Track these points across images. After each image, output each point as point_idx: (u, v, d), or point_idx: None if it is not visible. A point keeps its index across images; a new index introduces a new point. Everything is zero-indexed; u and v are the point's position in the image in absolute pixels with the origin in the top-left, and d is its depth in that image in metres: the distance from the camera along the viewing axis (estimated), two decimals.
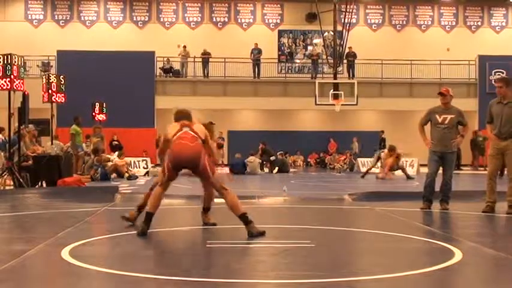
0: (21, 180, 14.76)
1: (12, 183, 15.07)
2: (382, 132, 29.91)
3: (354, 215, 10.38)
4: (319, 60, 33.67)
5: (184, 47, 32.34)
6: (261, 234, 7.05)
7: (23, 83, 15.27)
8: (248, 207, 10.83)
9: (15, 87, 14.95)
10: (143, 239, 7.15)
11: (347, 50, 31.04)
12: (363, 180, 20.03)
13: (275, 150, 27.14)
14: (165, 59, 32.26)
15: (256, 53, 32.70)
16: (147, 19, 34.99)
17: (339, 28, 29.23)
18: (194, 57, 32.33)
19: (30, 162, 15.98)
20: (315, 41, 35.17)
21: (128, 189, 15.08)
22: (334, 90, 27.79)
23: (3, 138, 19.58)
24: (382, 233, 7.56)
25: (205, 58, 32.30)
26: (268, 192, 14.33)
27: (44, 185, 15.64)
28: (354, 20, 32.24)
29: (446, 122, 10.11)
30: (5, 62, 14.78)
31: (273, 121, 33.64)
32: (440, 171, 10.33)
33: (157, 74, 32.18)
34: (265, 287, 4.90)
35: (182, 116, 7.63)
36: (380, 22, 35.86)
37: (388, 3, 35.77)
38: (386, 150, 22.26)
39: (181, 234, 7.56)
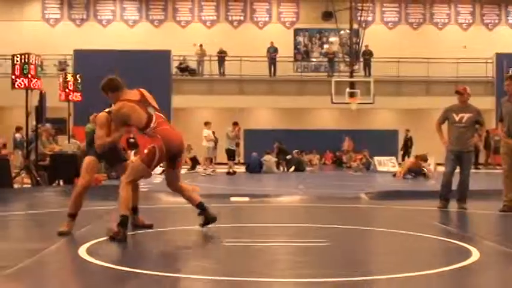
0: (38, 178, 14.88)
1: (29, 181, 15.20)
2: (408, 131, 29.76)
3: (371, 214, 10.34)
4: (336, 59, 33.58)
5: (201, 45, 32.39)
6: (213, 220, 7.25)
7: (40, 82, 15.39)
8: (264, 206, 10.86)
9: (32, 86, 15.08)
10: (159, 237, 7.17)
11: (363, 48, 30.96)
12: (379, 179, 19.95)
13: (291, 149, 27.10)
14: (182, 57, 32.33)
15: (272, 51, 32.67)
16: (163, 18, 35.08)
17: (355, 26, 29.16)
18: (210, 56, 32.38)
19: (48, 160, 16.07)
20: (331, 39, 35.05)
21: (143, 188, 15.11)
22: (350, 89, 27.73)
23: (20, 136, 19.73)
24: (398, 232, 7.53)
25: (221, 57, 32.34)
26: (284, 191, 14.32)
27: (61, 183, 15.74)
28: (370, 18, 32.13)
29: (464, 120, 10.04)
30: (23, 61, 14.92)
31: (289, 120, 33.58)
32: (458, 170, 10.27)
33: (174, 73, 32.25)
34: (281, 285, 4.89)
35: (121, 85, 6.91)
36: (396, 20, 35.68)
37: (405, 2, 35.60)
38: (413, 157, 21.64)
39: (198, 232, 7.56)
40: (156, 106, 7.00)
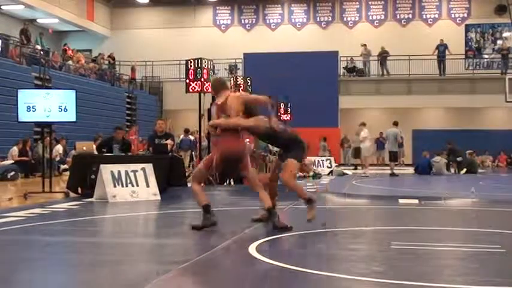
0: (210, 178, 15.48)
1: None
2: None
3: None
4: (510, 55, 32.07)
5: (365, 45, 32.17)
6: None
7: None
8: (434, 209, 10.58)
9: (205, 90, 15.74)
10: (328, 238, 7.21)
11: None
12: None
13: (461, 149, 26.18)
14: (349, 58, 32.30)
15: (442, 49, 31.80)
16: (330, 19, 35.23)
17: None
18: (377, 56, 32.10)
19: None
20: (505, 34, 33.49)
21: (312, 189, 15.28)
22: None
23: (183, 137, 20.63)
24: None
25: (383, 56, 31.93)
26: (455, 194, 13.89)
27: (232, 182, 16.26)
28: None
29: None
30: (196, 66, 15.63)
31: (459, 119, 32.49)
32: None
33: (341, 74, 32.30)
34: None
35: (219, 88, 7.70)
36: None
37: None
38: None
39: (366, 234, 7.52)
40: (252, 99, 7.69)
